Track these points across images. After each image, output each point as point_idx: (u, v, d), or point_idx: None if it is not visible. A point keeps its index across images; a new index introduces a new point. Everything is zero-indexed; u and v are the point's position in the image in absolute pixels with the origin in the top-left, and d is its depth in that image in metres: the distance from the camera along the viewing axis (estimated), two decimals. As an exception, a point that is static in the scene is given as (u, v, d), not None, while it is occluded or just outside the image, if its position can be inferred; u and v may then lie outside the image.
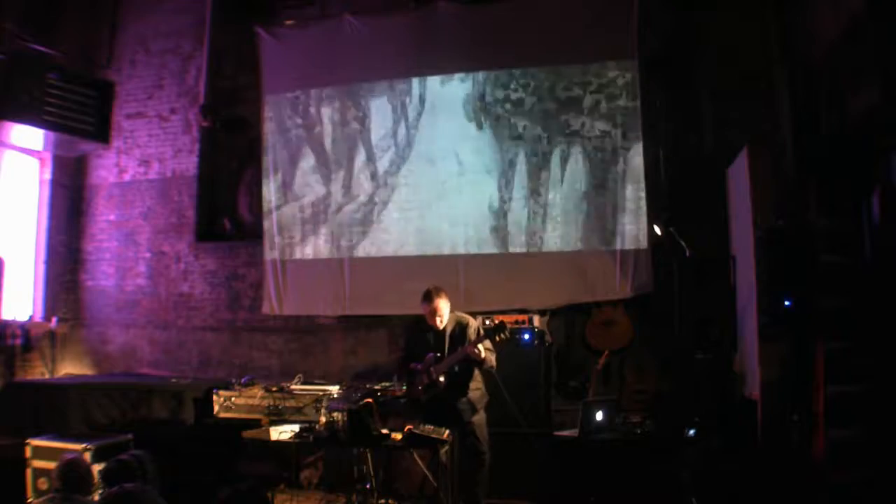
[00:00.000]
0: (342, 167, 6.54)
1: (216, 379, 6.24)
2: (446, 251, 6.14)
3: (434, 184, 6.22)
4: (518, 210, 5.99)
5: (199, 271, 7.13)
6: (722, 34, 5.67)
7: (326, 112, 6.62)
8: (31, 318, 7.04)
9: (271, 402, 5.38)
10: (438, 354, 4.71)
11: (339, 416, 4.67)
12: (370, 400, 5.09)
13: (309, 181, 6.63)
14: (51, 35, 6.97)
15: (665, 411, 4.99)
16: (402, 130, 6.38)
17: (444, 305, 4.77)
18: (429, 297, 4.76)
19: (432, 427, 4.43)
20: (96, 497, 3.60)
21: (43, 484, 4.79)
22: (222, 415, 5.48)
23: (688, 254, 5.05)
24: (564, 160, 5.90)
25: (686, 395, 5.03)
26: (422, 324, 4.88)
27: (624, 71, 5.74)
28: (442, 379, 4.62)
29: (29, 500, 4.83)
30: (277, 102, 6.76)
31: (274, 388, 5.50)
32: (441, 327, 4.79)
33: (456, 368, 4.67)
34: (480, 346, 4.57)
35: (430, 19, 6.29)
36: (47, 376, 6.94)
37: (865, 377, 4.01)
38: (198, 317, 7.08)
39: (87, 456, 4.64)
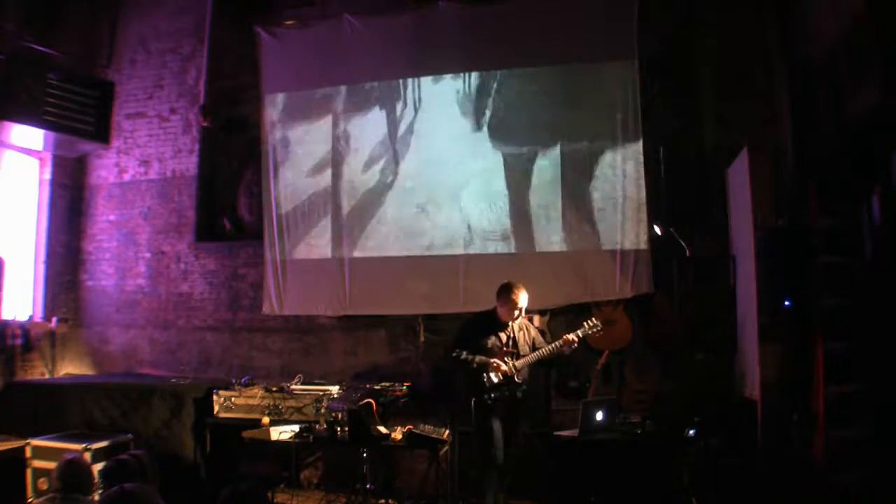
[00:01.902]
0: (342, 167, 6.53)
1: (216, 379, 6.24)
2: (446, 251, 6.13)
3: (433, 184, 6.22)
4: (518, 210, 5.99)
5: (199, 271, 7.13)
6: (722, 34, 5.67)
7: (326, 112, 6.61)
8: (31, 318, 7.03)
9: (271, 402, 5.39)
10: (514, 352, 4.67)
11: (339, 416, 4.68)
12: (370, 400, 5.09)
13: (309, 181, 6.62)
14: (51, 35, 6.95)
15: (665, 411, 4.99)
16: (401, 130, 6.37)
17: (524, 299, 4.68)
18: (510, 289, 4.66)
19: (432, 427, 4.44)
20: (96, 497, 3.60)
21: (43, 484, 4.80)
22: (222, 415, 5.50)
23: (688, 254, 5.05)
24: (564, 160, 5.90)
25: (686, 395, 5.03)
26: (489, 320, 4.78)
27: (624, 71, 5.73)
28: (518, 379, 4.61)
29: (29, 500, 4.83)
30: (277, 102, 6.76)
31: (274, 388, 5.52)
32: (513, 323, 4.72)
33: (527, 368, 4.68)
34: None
35: (430, 19, 6.29)
36: (47, 376, 6.93)
37: (865, 377, 4.01)
38: (198, 317, 7.08)
39: (87, 456, 4.66)
